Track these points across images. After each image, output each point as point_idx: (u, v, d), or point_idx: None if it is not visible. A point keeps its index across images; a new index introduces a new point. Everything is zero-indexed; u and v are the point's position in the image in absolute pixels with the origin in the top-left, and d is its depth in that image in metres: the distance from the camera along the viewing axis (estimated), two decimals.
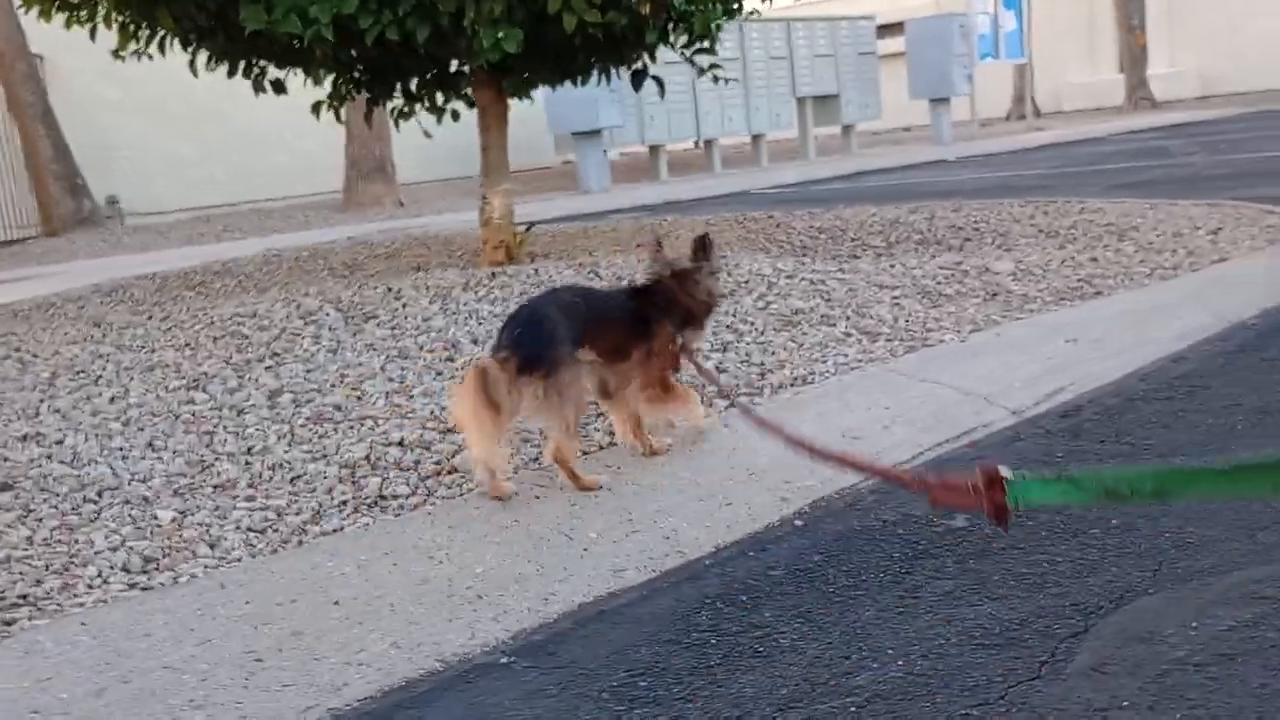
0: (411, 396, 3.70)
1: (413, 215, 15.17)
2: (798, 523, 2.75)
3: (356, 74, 7.92)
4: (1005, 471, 1.53)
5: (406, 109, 8.06)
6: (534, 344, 2.76)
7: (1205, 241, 5.94)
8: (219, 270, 8.51)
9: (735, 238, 7.97)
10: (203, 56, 7.20)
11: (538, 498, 2.76)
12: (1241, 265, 5.25)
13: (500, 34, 6.17)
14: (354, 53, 7.19)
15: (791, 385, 3.66)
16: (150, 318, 5.82)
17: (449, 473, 2.94)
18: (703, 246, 3.15)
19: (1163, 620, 2.08)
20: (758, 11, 7.26)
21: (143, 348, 4.91)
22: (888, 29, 24.65)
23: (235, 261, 9.18)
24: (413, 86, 7.96)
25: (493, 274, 6.12)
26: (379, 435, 3.26)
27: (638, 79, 7.48)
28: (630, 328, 3.01)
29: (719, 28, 6.90)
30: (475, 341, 4.47)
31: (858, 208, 9.76)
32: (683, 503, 2.79)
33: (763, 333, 4.32)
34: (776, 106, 20.67)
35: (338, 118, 8.07)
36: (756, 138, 20.90)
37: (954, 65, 21.85)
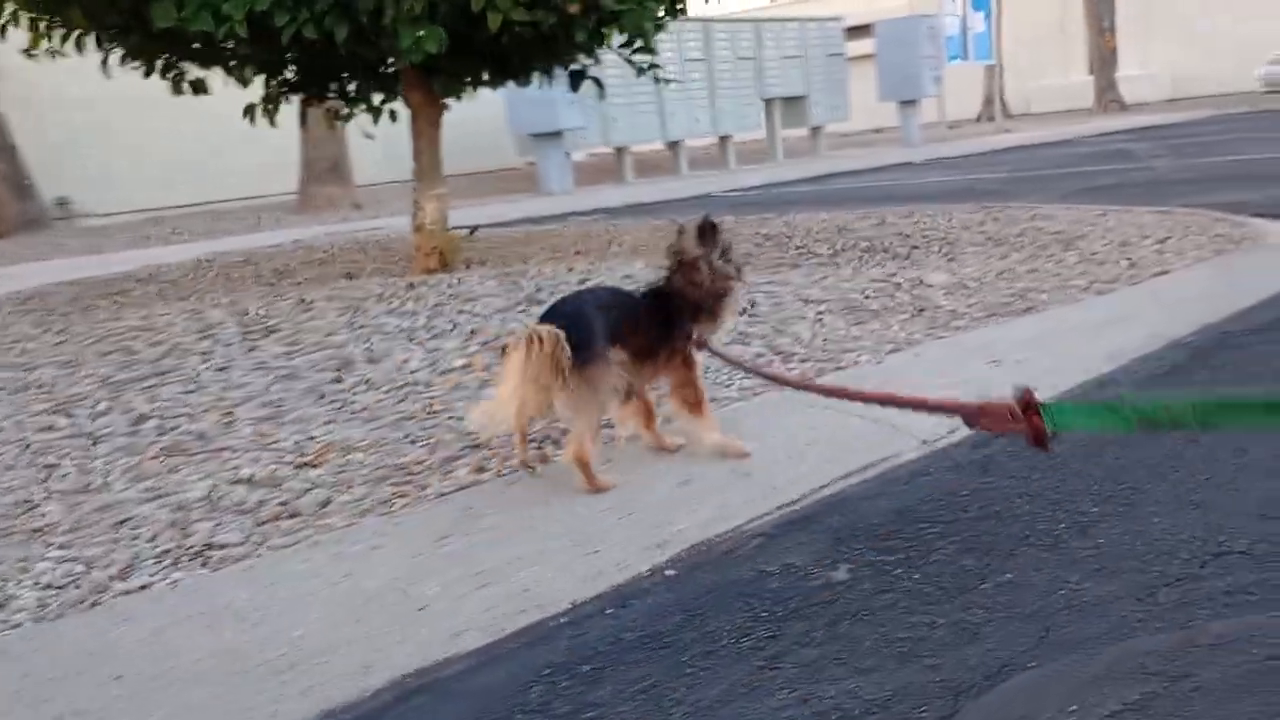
0: (282, 424, 3.44)
1: (368, 217, 14.87)
2: (670, 572, 2.50)
3: (289, 75, 7.66)
4: (1039, 397, 1.50)
5: (346, 111, 7.79)
6: (576, 334, 2.72)
7: (1151, 252, 5.73)
8: (144, 277, 8.21)
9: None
10: (118, 55, 6.90)
11: (377, 548, 2.50)
12: (1182, 278, 5.03)
13: (421, 33, 5.91)
14: (289, 54, 6.93)
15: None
16: (48, 330, 5.54)
17: (290, 517, 2.68)
18: (707, 230, 3.05)
19: (1039, 701, 1.85)
20: (683, 11, 6.98)
21: (23, 364, 4.62)
22: (858, 30, 24.46)
23: (165, 267, 8.89)
24: (350, 87, 7.70)
25: (410, 285, 5.87)
26: (228, 471, 3.00)
27: (575, 80, 7.23)
28: (653, 327, 2.97)
29: (656, 28, 6.66)
30: (371, 360, 4.21)
31: (812, 213, 9.55)
32: (546, 550, 2.54)
33: None
34: (744, 108, 20.47)
35: (270, 121, 7.77)
36: (724, 139, 20.68)
37: (922, 67, 21.72)
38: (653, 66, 7.25)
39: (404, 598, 2.30)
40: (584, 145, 18.76)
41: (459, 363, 4.03)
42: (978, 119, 30.19)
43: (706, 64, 19.76)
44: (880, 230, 7.77)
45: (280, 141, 16.35)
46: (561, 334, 2.69)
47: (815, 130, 22.28)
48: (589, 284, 5.51)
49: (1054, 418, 1.50)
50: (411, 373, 3.97)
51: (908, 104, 22.24)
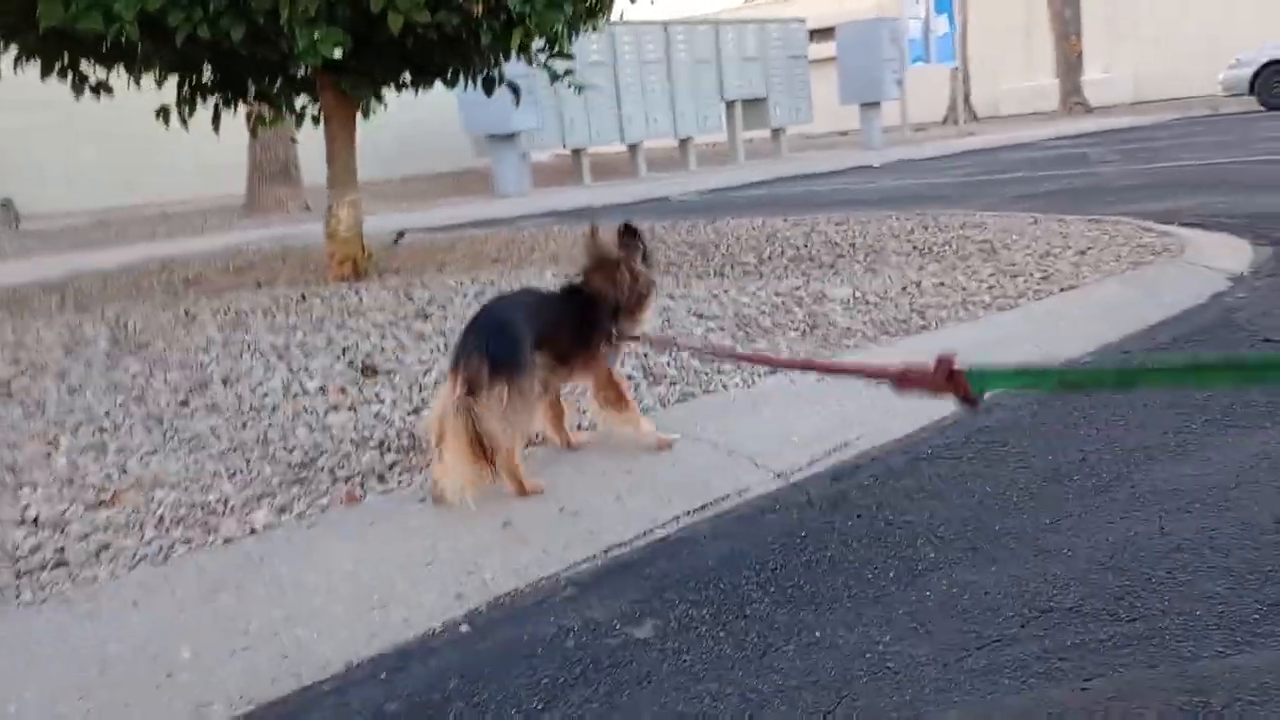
0: (104, 455, 3.23)
1: (315, 220, 14.58)
2: (464, 629, 2.31)
3: (204, 76, 7.42)
4: (958, 365, 1.55)
5: (268, 114, 7.58)
6: (504, 345, 2.70)
7: (1068, 264, 5.57)
8: (57, 285, 7.97)
9: None
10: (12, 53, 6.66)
11: (139, 604, 2.29)
12: (1092, 293, 4.86)
13: (318, 34, 5.70)
14: (203, 54, 6.70)
15: (534, 441, 3.21)
16: None
17: (56, 566, 2.46)
18: (628, 234, 3.07)
19: None
20: (601, 16, 6.79)
21: None
22: (825, 33, 24.32)
23: (86, 274, 8.63)
24: (273, 89, 7.49)
25: (303, 296, 5.66)
26: (12, 515, 2.77)
27: (488, 86, 7.03)
28: (574, 328, 2.96)
29: (571, 32, 6.46)
30: (227, 380, 4.00)
31: (750, 219, 9.35)
32: (330, 604, 2.33)
33: None
34: (704, 109, 20.29)
35: (184, 124, 7.53)
36: (684, 141, 20.50)
37: (884, 70, 21.60)
38: (568, 73, 7.05)
39: (151, 664, 2.09)
40: (541, 147, 18.55)
41: (314, 385, 3.82)
42: (944, 121, 30.10)
43: (665, 65, 19.58)
44: (810, 238, 7.59)
45: (235, 142, 16.15)
46: (482, 369, 2.65)
47: (777, 132, 22.16)
48: (489, 295, 5.30)
49: (976, 382, 1.60)
50: (263, 396, 3.76)
51: (869, 107, 22.12)
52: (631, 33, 19.14)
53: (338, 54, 5.66)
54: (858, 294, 4.99)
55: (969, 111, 30.52)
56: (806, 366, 3.13)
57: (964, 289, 5.06)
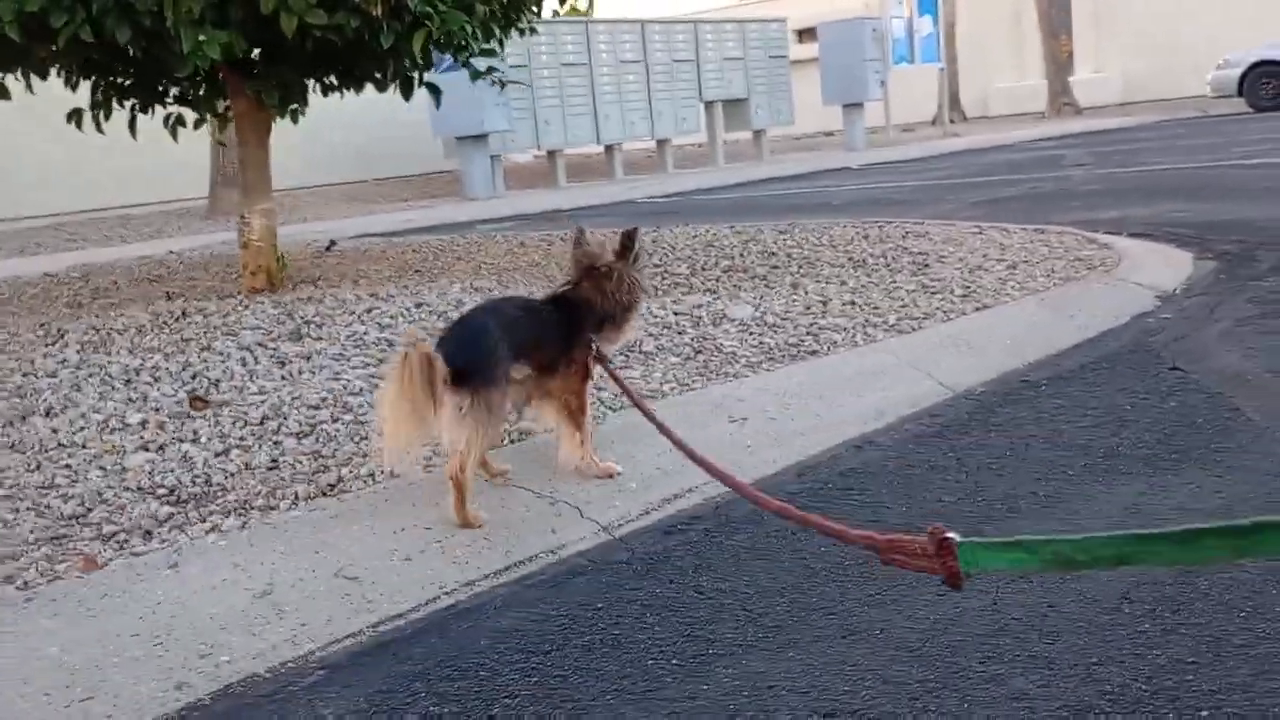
0: None
1: (283, 224, 14.28)
2: None
3: (119, 79, 7.12)
4: (953, 535, 1.46)
5: (187, 119, 7.27)
6: (472, 355, 2.64)
7: (995, 279, 5.26)
8: None
9: (529, 262, 7.23)
10: None
11: None
12: (1005, 314, 4.56)
13: (203, 36, 5.40)
14: (122, 56, 6.39)
15: (329, 492, 2.90)
16: None
17: None
18: (629, 241, 3.00)
19: None
20: (517, 22, 6.50)
21: None
22: (811, 33, 24.00)
23: (4, 283, 8.34)
24: (194, 92, 7.19)
25: (184, 312, 5.35)
26: None
27: (406, 88, 6.72)
28: (560, 339, 2.90)
29: (481, 33, 6.15)
30: (50, 412, 3.70)
31: (698, 225, 9.05)
32: (13, 700, 2.02)
33: (365, 411, 3.55)
34: (682, 111, 19.97)
35: (98, 128, 7.23)
36: (661, 143, 20.19)
37: (866, 70, 21.27)
38: (490, 70, 6.75)
39: None
40: (514, 149, 18.24)
41: (137, 418, 3.52)
42: (933, 122, 29.73)
43: (643, 66, 19.26)
44: (748, 248, 7.29)
45: (188, 147, 15.84)
46: (437, 356, 2.56)
47: (758, 134, 21.82)
48: (379, 312, 5.01)
49: (968, 559, 1.46)
50: (79, 430, 3.46)
51: (852, 108, 21.79)
52: (608, 32, 18.84)
53: (218, 55, 5.35)
54: (759, 314, 4.68)
55: (958, 112, 30.20)
56: (781, 513, 2.55)
57: (874, 308, 4.76)
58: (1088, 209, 8.44)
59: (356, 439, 3.27)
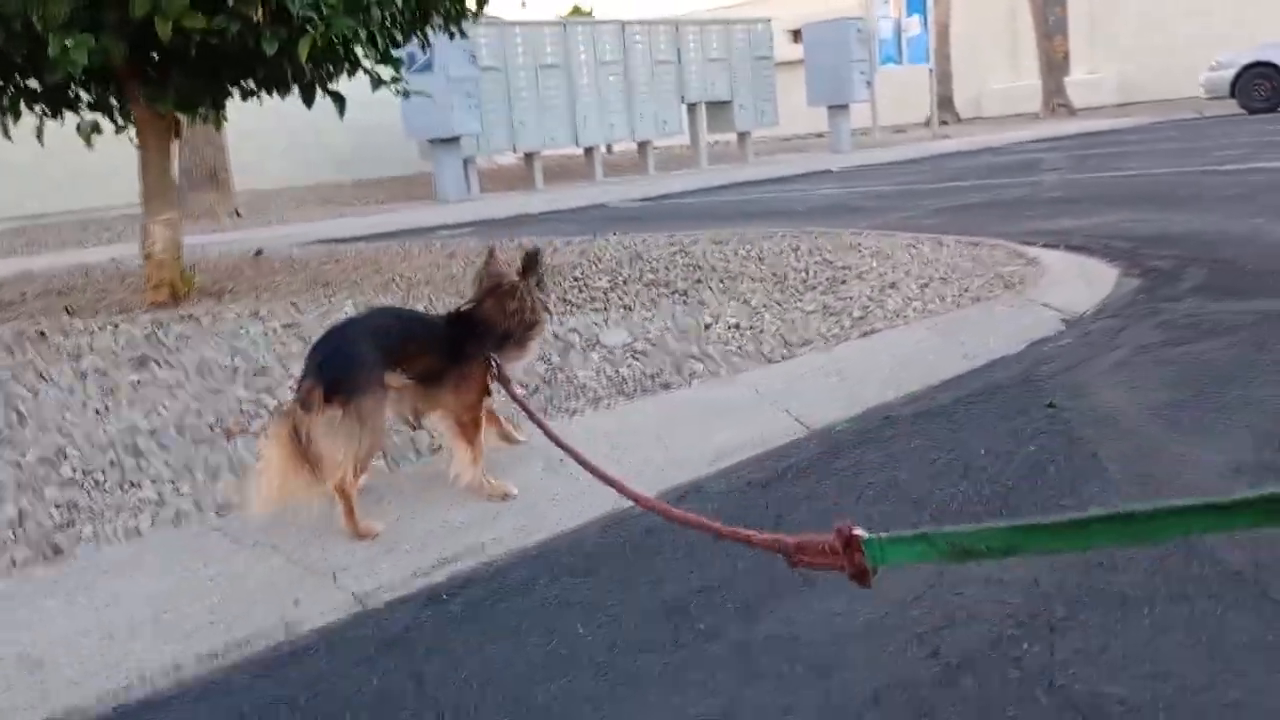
0: None
1: (239, 228, 14.05)
2: None
3: (25, 82, 6.85)
4: (860, 532, 1.47)
5: (103, 124, 7.01)
6: (338, 369, 2.67)
7: (901, 299, 4.97)
8: None
9: (447, 275, 6.94)
10: None
11: None
12: (893, 339, 4.26)
13: (69, 41, 5.14)
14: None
15: (56, 554, 2.62)
16: None
17: None
18: (531, 261, 3.04)
19: None
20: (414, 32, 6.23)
21: None
22: (798, 34, 23.66)
23: None
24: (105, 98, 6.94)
25: (42, 333, 5.09)
26: None
27: (307, 95, 6.44)
28: (447, 350, 2.89)
29: (375, 38, 5.86)
30: None
31: (646, 233, 8.78)
32: None
33: (153, 454, 3.26)
34: (663, 112, 19.67)
35: (5, 134, 6.99)
36: (643, 145, 19.90)
37: (852, 71, 20.96)
38: (395, 80, 6.47)
39: None
40: (489, 150, 17.97)
41: None
42: (926, 123, 29.39)
43: (622, 66, 18.97)
44: (678, 258, 7.00)
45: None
46: (315, 390, 2.64)
47: (742, 136, 21.52)
48: (245, 333, 4.74)
49: (875, 554, 1.45)
50: None
51: (837, 109, 21.47)
52: (587, 33, 18.57)
53: (85, 61, 5.09)
54: (632, 339, 4.39)
55: (952, 113, 29.84)
56: (693, 524, 2.17)
57: (759, 332, 4.47)
58: (1043, 217, 8.13)
59: (127, 486, 2.99)
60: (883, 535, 1.48)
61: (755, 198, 13.23)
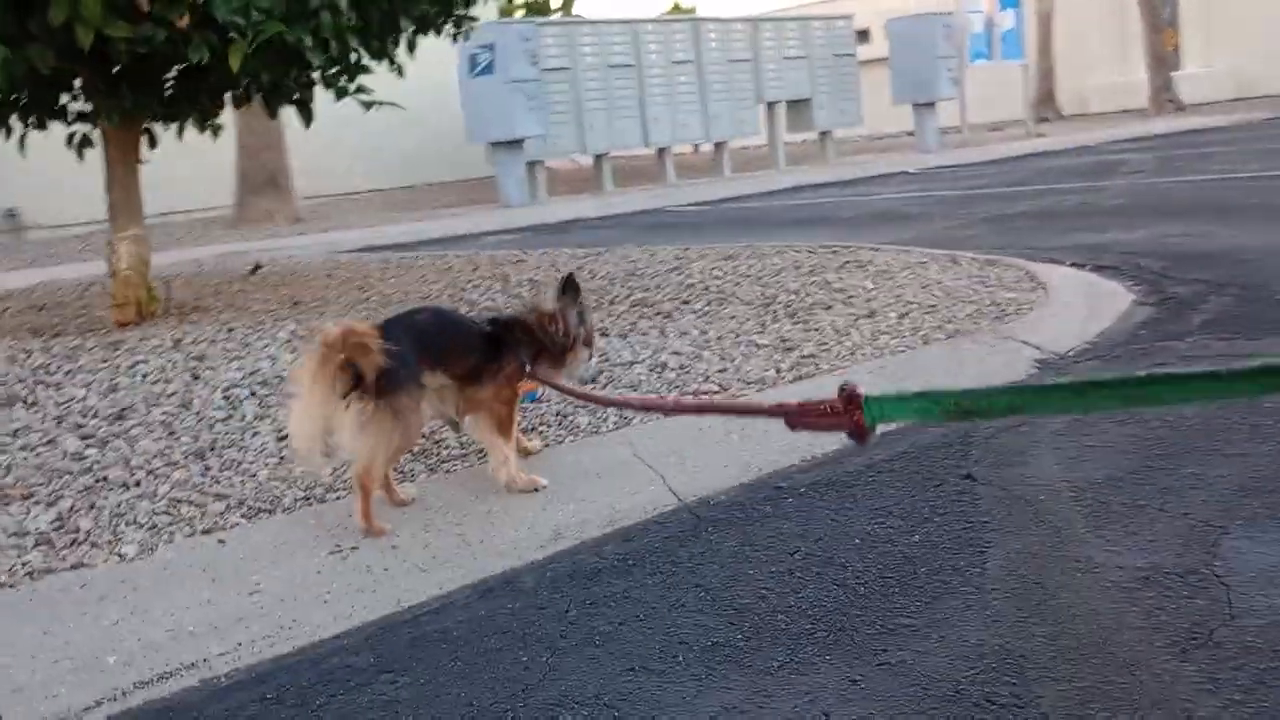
0: None
1: (297, 234, 13.90)
2: None
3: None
4: (862, 390, 1.52)
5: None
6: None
7: (871, 331, 4.43)
8: None
9: (426, 294, 6.55)
10: None
11: None
12: (825, 385, 3.71)
13: None
14: None
15: None
16: None
17: None
18: (567, 288, 3.08)
19: None
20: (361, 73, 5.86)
21: None
22: (859, 34, 22.82)
23: None
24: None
25: None
26: None
27: (270, 106, 6.11)
28: (483, 350, 2.95)
29: (331, 46, 5.47)
30: None
31: (656, 246, 8.29)
32: None
33: None
34: (740, 112, 19.08)
35: None
36: (718, 145, 19.35)
37: (938, 68, 20.12)
38: (359, 90, 6.08)
39: None
40: (555, 153, 17.63)
41: None
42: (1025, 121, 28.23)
43: (696, 66, 18.45)
44: (673, 277, 6.53)
45: (226, 154, 15.60)
46: (369, 334, 2.68)
47: (823, 135, 20.80)
48: (146, 365, 4.39)
49: (874, 411, 1.49)
50: None
51: (923, 107, 20.62)
52: (659, 31, 18.11)
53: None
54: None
55: (1054, 109, 28.64)
56: (705, 409, 3.23)
57: (684, 371, 3.98)
58: (1090, 229, 7.44)
59: None
60: (884, 394, 1.55)
61: (812, 202, 12.64)
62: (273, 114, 6.24)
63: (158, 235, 15.14)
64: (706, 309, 5.49)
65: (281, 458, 3.24)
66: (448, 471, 3.14)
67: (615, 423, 3.45)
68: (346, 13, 5.45)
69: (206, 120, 6.77)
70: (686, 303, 5.73)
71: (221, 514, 2.81)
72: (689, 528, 2.78)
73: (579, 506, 2.88)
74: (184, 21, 4.95)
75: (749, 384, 3.79)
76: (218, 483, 3.04)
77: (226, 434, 3.48)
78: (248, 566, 2.55)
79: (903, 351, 4.08)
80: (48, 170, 17.44)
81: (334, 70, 5.88)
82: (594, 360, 3.94)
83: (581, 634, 2.25)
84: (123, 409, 3.76)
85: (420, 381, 2.77)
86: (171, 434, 3.49)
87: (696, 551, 2.62)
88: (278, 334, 5.15)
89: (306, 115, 6.20)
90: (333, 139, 19.95)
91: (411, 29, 6.22)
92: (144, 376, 4.21)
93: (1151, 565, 2.28)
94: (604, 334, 5.04)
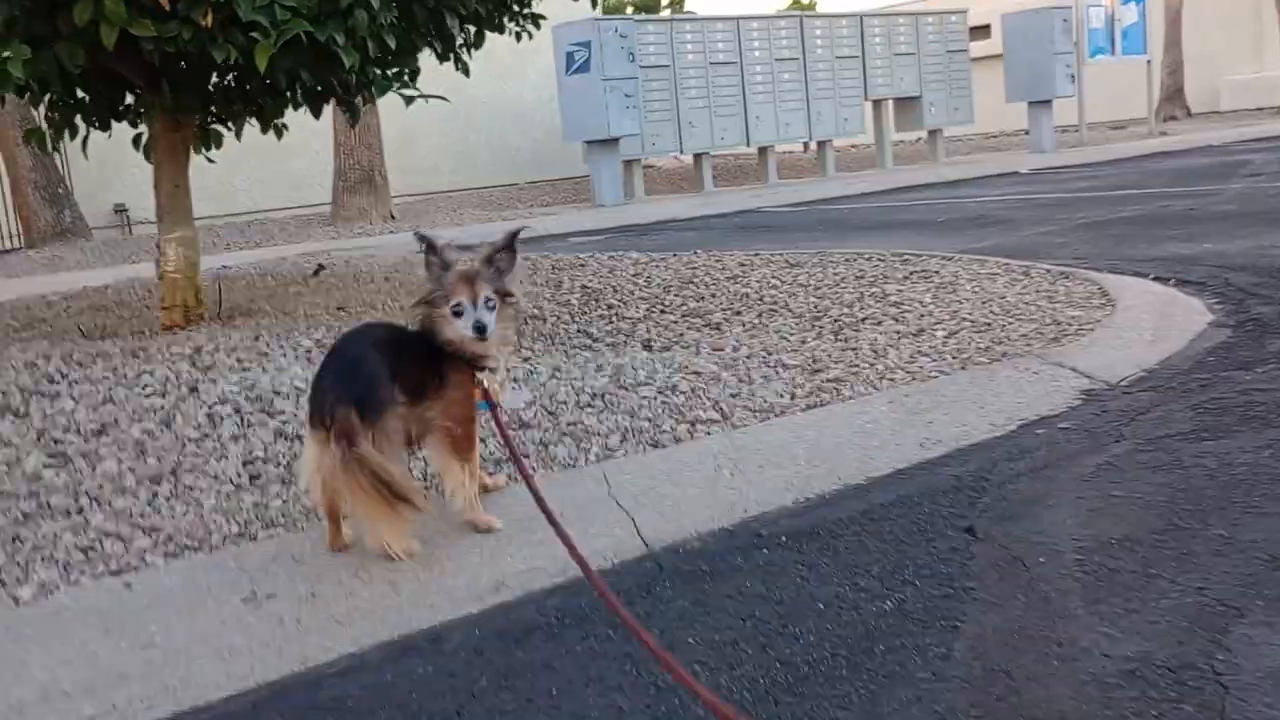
0: None
1: (386, 233, 13.92)
2: None
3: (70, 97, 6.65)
4: None
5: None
6: (358, 386, 2.48)
7: (911, 351, 4.09)
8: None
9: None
10: None
11: None
12: (837, 416, 3.40)
13: (8, 53, 4.80)
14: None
15: None
16: None
17: None
18: (499, 251, 2.71)
19: None
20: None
21: None
22: (977, 30, 22.03)
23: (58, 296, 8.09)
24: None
25: None
26: None
27: (313, 105, 5.97)
28: (430, 364, 2.66)
29: (367, 47, 5.28)
30: None
31: (728, 250, 7.99)
32: None
33: None
34: (844, 110, 18.60)
35: (55, 146, 6.81)
36: (821, 144, 18.91)
37: (1055, 64, 19.34)
38: (405, 88, 5.89)
39: None
40: (653, 152, 17.39)
41: None
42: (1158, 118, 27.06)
43: (800, 63, 18.02)
44: (730, 285, 6.24)
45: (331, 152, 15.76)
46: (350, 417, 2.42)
47: (933, 134, 20.16)
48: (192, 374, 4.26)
49: None
50: None
51: (1038, 105, 19.85)
52: (763, 28, 17.73)
53: (20, 74, 4.74)
54: (533, 400, 3.66)
55: (1182, 107, 27.41)
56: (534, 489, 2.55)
57: (692, 395, 3.67)
58: (1187, 239, 6.93)
59: None
60: None
61: (909, 204, 12.17)
62: (316, 114, 6.09)
63: (256, 232, 15.39)
64: (756, 321, 5.21)
65: (237, 485, 3.04)
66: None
67: (597, 453, 3.17)
68: (382, 11, 5.25)
69: (268, 120, 6.65)
70: (738, 314, 5.45)
71: (144, 551, 2.62)
72: (645, 582, 2.50)
73: (533, 553, 2.61)
74: (208, 19, 4.81)
75: (756, 411, 3.48)
76: (157, 513, 2.85)
77: (194, 455, 3.30)
78: (149, 615, 2.34)
79: (934, 377, 3.73)
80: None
81: (377, 71, 5.70)
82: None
83: (481, 711, 1.99)
84: (104, 424, 3.62)
85: (397, 399, 2.55)
86: (141, 454, 3.33)
87: (640, 613, 2.33)
88: (302, 342, 5.00)
89: (353, 115, 6.04)
90: (433, 137, 20.11)
91: (470, 28, 6.02)
92: (143, 388, 4.07)
93: (1142, 655, 1.93)
94: (647, 346, 4.79)
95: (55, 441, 3.50)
